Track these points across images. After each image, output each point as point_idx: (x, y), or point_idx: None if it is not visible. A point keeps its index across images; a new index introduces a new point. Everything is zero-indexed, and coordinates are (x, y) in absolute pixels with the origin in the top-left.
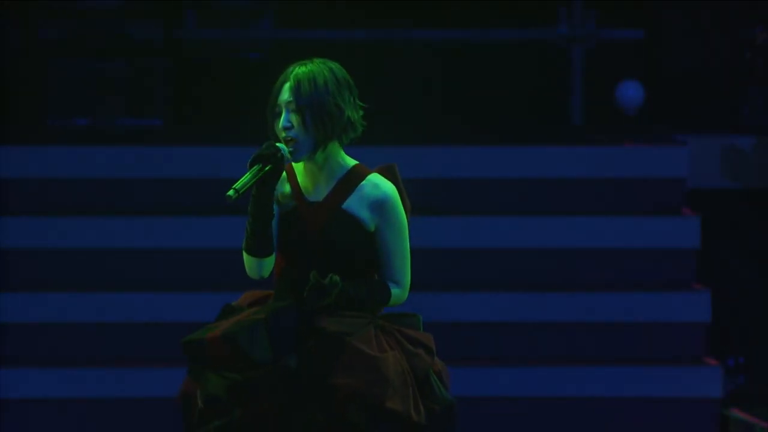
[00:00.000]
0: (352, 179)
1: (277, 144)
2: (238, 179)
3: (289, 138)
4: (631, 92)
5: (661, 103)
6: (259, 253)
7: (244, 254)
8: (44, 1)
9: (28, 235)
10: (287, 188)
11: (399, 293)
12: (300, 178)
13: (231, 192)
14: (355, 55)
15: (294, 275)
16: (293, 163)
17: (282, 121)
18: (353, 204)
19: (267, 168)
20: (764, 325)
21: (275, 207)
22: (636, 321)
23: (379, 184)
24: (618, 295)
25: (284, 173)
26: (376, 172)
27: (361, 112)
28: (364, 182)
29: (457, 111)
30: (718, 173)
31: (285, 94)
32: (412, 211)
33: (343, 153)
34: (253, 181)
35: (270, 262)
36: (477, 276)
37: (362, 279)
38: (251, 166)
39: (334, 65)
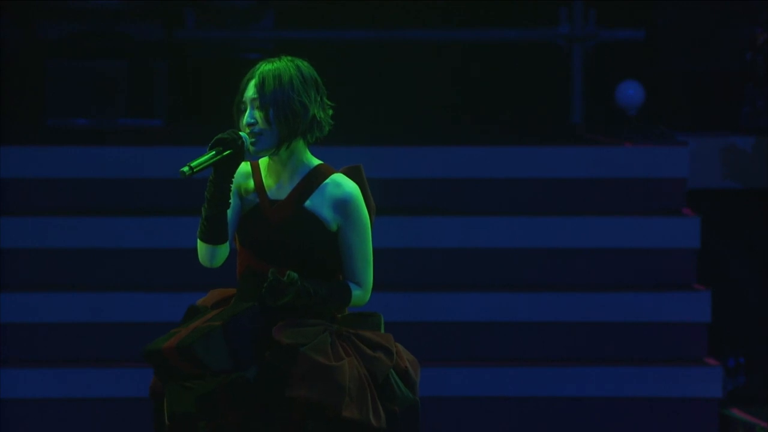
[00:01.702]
0: (315, 178)
1: (240, 133)
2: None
3: (253, 134)
4: (631, 92)
5: (661, 103)
6: (211, 239)
7: (198, 241)
8: (44, 1)
9: (28, 235)
10: (251, 184)
11: (360, 294)
12: (264, 176)
13: (186, 168)
14: (355, 55)
15: (257, 273)
16: (259, 161)
17: (246, 117)
18: (315, 203)
19: (226, 153)
20: (764, 325)
21: (238, 201)
22: (636, 321)
23: (342, 183)
24: (618, 295)
25: (249, 169)
26: (340, 172)
27: (330, 111)
28: (327, 181)
29: (457, 111)
30: (718, 173)
31: (250, 91)
32: (412, 210)
33: (308, 152)
34: (209, 162)
35: (223, 250)
36: (477, 276)
37: (323, 279)
38: (211, 149)
39: (302, 63)
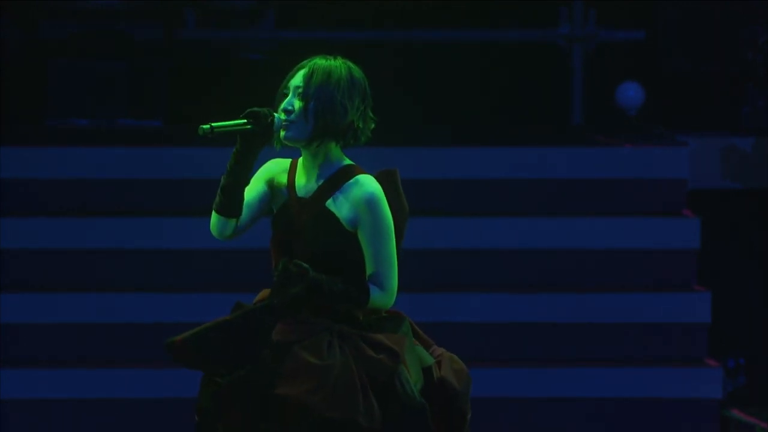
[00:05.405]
0: (340, 177)
1: (276, 114)
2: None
3: (287, 121)
4: (631, 93)
5: (661, 104)
6: (222, 210)
7: (212, 212)
8: (44, 1)
9: (27, 235)
10: (285, 179)
11: (381, 297)
12: (297, 173)
13: (206, 126)
14: (355, 55)
15: None
16: (299, 159)
17: (285, 103)
18: (336, 202)
19: (248, 126)
20: (764, 325)
21: (267, 191)
22: (636, 321)
23: (364, 183)
24: (618, 295)
25: (288, 165)
26: (374, 174)
27: (371, 125)
28: (350, 181)
29: (458, 111)
30: (718, 173)
31: (297, 80)
32: (412, 211)
33: (341, 154)
34: (229, 128)
35: (234, 225)
36: (477, 276)
37: (347, 279)
38: (242, 118)
39: (356, 70)
